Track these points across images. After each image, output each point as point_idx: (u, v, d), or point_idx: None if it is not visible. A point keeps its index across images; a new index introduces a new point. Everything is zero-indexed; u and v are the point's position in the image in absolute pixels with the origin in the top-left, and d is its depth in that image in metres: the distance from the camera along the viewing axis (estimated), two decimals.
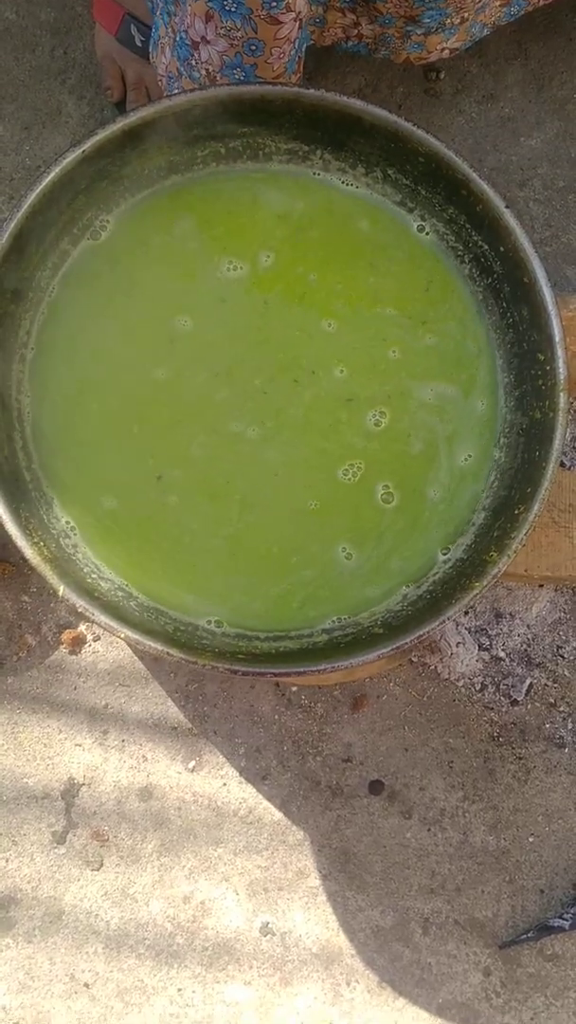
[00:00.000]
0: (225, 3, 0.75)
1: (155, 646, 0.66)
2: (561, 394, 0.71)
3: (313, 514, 0.74)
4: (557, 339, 0.72)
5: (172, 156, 0.75)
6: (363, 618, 0.73)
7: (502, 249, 0.74)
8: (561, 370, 0.72)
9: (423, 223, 0.78)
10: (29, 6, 1.07)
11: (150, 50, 0.92)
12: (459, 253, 0.78)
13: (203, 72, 0.83)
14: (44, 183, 0.71)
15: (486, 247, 0.76)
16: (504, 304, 0.76)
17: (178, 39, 0.84)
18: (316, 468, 0.75)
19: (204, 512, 0.74)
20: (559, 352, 0.72)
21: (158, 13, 0.88)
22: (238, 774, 0.91)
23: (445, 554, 0.74)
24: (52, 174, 0.71)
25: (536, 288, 0.73)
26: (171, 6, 0.84)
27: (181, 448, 0.75)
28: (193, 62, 0.83)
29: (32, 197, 0.71)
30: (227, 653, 0.70)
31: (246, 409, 0.75)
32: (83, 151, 0.71)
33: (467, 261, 0.77)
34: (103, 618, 0.67)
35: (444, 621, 0.68)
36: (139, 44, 0.98)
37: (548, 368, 0.72)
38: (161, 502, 0.74)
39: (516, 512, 0.71)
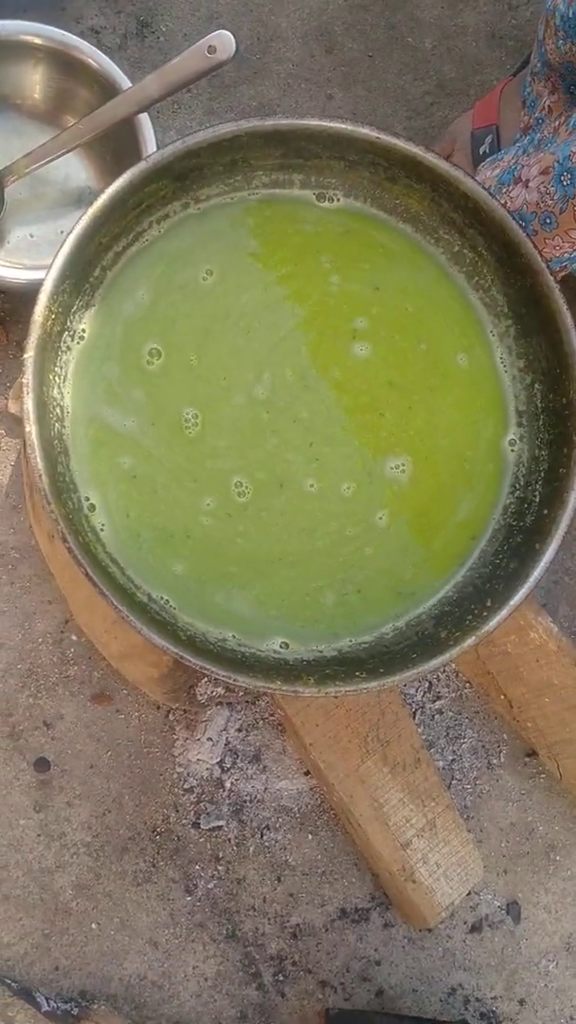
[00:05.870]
0: (563, 176, 0.80)
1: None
2: None
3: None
4: None
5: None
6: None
7: None
8: None
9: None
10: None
11: (482, 163, 0.98)
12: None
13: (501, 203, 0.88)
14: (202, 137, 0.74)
15: None
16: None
17: (511, 167, 0.89)
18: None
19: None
20: None
21: (517, 146, 0.94)
22: None
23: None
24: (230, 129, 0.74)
25: None
26: (531, 148, 0.90)
27: (215, 397, 0.76)
28: (504, 191, 0.88)
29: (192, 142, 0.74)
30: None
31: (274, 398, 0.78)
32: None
33: None
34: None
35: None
36: (480, 152, 1.04)
37: None
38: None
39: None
